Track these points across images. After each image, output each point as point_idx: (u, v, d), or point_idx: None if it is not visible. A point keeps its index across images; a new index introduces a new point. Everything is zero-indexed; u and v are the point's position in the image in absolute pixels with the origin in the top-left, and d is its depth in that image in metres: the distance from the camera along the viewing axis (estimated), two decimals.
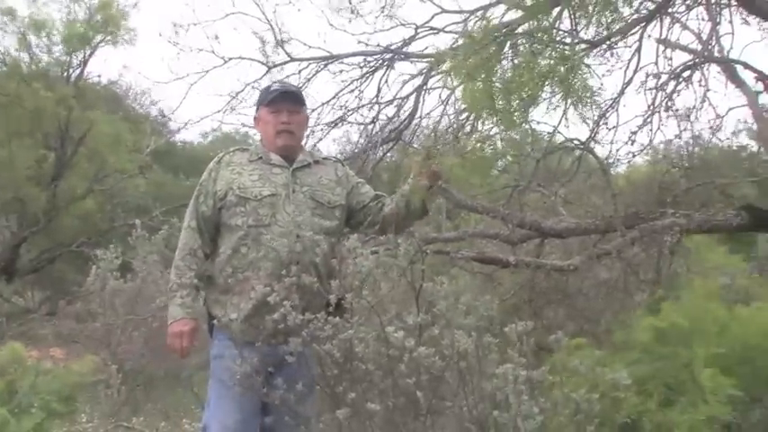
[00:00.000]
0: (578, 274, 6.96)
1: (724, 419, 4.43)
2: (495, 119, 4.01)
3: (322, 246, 3.56)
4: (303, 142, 4.24)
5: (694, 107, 7.42)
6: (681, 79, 7.17)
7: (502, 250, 7.28)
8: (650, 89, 7.13)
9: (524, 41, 4.19)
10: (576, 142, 6.85)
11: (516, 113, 3.97)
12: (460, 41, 7.49)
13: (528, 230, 7.01)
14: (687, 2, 6.68)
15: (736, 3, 6.41)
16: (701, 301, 5.33)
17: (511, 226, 6.88)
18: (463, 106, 6.46)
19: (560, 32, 4.63)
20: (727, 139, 9.19)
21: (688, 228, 6.35)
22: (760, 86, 7.06)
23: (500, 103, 3.93)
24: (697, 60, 7.31)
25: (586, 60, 4.52)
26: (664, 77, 7.07)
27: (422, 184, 3.70)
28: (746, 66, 7.11)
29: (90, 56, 16.62)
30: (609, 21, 4.38)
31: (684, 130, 7.63)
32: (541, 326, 6.82)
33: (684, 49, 7.47)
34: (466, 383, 3.19)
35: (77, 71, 16.80)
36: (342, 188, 3.87)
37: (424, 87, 7.54)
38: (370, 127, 8.18)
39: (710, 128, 7.83)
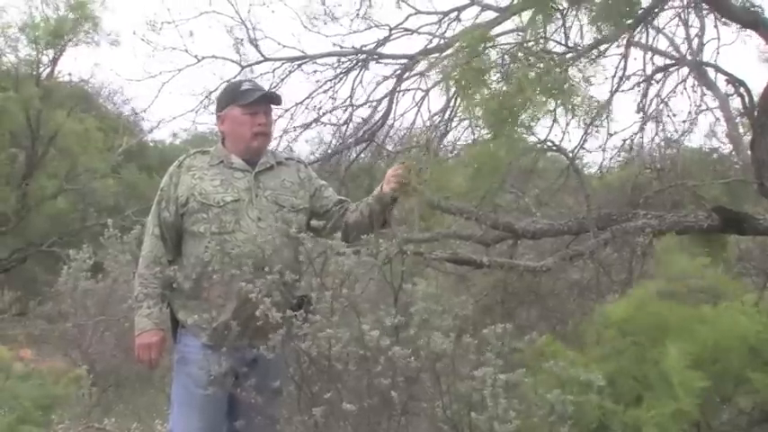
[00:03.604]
0: (551, 274, 6.99)
1: (693, 418, 4.45)
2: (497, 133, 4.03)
3: (287, 249, 3.51)
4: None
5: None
6: (654, 81, 7.24)
7: (475, 251, 7.29)
8: (629, 90, 7.21)
9: (518, 52, 4.22)
10: (549, 144, 6.90)
11: (521, 128, 4.00)
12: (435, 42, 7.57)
13: (501, 231, 7.04)
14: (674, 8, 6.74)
15: (707, 7, 6.48)
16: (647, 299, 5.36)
17: (484, 227, 6.91)
18: (437, 108, 6.49)
19: (551, 41, 4.66)
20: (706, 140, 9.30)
21: (660, 229, 6.41)
22: (730, 89, 7.15)
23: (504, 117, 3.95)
24: (668, 63, 7.39)
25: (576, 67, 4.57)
26: (635, 79, 7.15)
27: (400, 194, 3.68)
28: (718, 69, 7.19)
29: (60, 54, 16.49)
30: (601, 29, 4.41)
31: (684, 133, 7.72)
32: (514, 327, 6.83)
33: (664, 54, 7.55)
34: (441, 384, 3.19)
35: (47, 70, 16.66)
36: (305, 191, 3.81)
37: (398, 90, 7.57)
38: (343, 128, 8.21)
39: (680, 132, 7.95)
